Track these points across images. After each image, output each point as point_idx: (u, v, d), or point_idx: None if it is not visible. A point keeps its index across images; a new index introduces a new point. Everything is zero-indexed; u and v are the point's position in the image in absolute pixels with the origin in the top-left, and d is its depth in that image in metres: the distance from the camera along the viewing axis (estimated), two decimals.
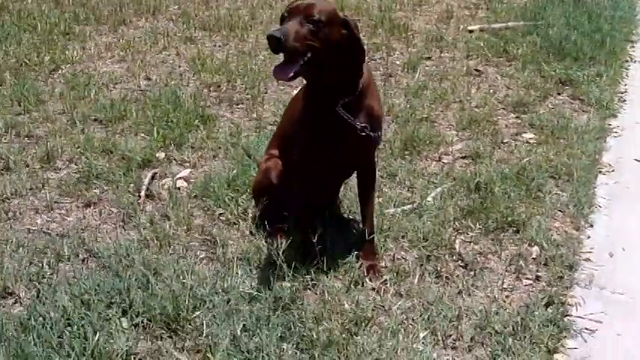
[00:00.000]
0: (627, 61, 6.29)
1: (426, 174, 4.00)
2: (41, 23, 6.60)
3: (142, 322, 2.68)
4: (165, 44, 6.19)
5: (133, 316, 2.70)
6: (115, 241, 3.24)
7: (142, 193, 3.73)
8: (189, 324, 2.67)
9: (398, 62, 5.91)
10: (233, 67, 5.61)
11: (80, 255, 3.18)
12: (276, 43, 2.62)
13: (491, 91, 5.32)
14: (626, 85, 5.67)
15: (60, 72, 5.52)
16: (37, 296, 2.83)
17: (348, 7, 7.35)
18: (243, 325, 2.65)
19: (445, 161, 4.21)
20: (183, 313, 2.69)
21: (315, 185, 3.15)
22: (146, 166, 4.05)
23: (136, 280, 2.89)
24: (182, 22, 6.77)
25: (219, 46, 6.24)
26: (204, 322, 2.66)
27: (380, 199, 3.66)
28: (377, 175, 3.34)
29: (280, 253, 2.93)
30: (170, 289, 2.82)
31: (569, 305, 2.94)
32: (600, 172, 4.19)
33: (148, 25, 6.71)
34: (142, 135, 4.43)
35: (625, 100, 5.35)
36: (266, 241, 3.21)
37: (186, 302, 2.73)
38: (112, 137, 4.37)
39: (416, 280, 3.03)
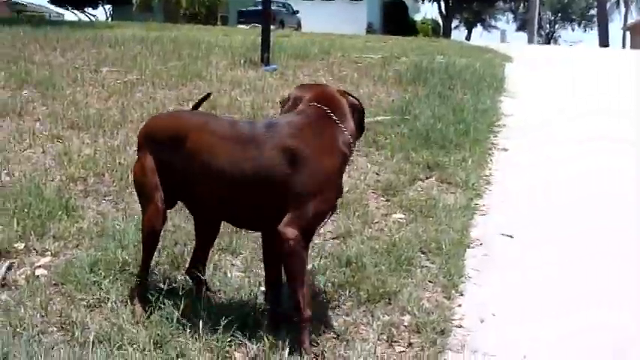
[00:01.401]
0: (491, 148, 6.57)
1: None
2: None
3: None
4: (31, 142, 6.00)
5: None
6: None
7: None
8: None
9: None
10: (101, 162, 5.47)
11: None
12: None
13: (362, 177, 5.40)
14: (490, 168, 5.92)
15: None
16: None
17: (221, 105, 7.40)
18: None
19: (316, 241, 4.18)
20: None
21: None
22: (3, 257, 3.82)
23: None
24: (49, 122, 6.60)
25: (87, 143, 6.09)
26: None
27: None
28: None
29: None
30: None
31: None
32: (469, 246, 4.27)
33: (13, 125, 6.51)
34: (0, 227, 4.20)
35: (490, 182, 5.56)
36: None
37: None
38: None
39: (286, 353, 2.93)
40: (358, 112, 3.23)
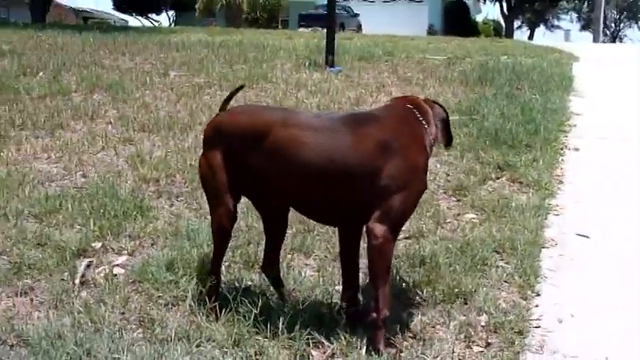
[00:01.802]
0: (562, 148, 6.47)
1: None
2: None
3: None
4: (104, 144, 6.13)
5: None
6: (46, 326, 3.06)
7: (77, 281, 3.58)
8: None
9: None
10: (172, 164, 5.56)
11: (9, 341, 3.00)
12: None
13: (432, 177, 5.35)
14: (562, 168, 5.82)
15: None
16: None
17: (288, 106, 7.43)
18: None
19: None
20: None
21: None
22: (81, 256, 3.91)
23: (67, 359, 2.72)
24: (121, 125, 6.74)
25: (158, 145, 6.19)
26: None
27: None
28: None
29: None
30: None
31: None
32: (544, 246, 4.20)
33: (85, 128, 6.66)
34: (78, 227, 4.29)
35: (563, 182, 5.47)
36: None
37: None
38: (47, 229, 4.22)
39: (363, 351, 2.93)
40: (442, 120, 3.20)
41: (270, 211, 3.32)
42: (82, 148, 6.01)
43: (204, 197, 4.71)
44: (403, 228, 4.08)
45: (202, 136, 3.35)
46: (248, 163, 3.05)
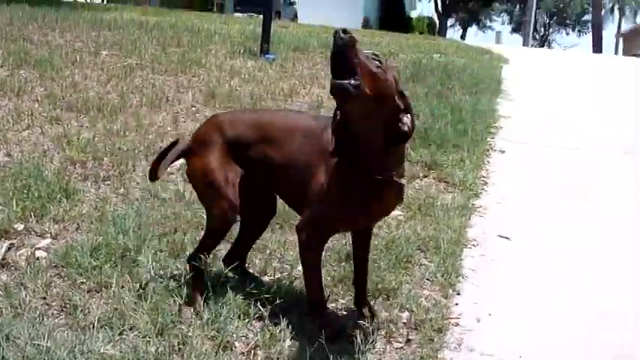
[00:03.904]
0: (488, 149, 6.62)
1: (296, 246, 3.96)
2: None
3: None
4: (29, 123, 5.98)
5: None
6: None
7: None
8: None
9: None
10: (100, 146, 5.47)
11: None
12: (341, 36, 2.52)
13: None
14: (487, 170, 5.96)
15: None
16: None
17: (220, 94, 7.40)
18: None
19: None
20: None
21: None
22: (2, 237, 3.82)
23: None
24: (48, 103, 6.58)
25: (87, 126, 6.08)
26: None
27: (252, 270, 3.63)
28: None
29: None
30: (24, 353, 2.63)
31: None
32: (466, 245, 4.30)
33: (11, 105, 6.48)
34: (0, 207, 4.20)
35: (487, 183, 5.61)
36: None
37: None
38: None
39: (286, 344, 2.96)
40: None
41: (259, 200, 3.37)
42: (7, 125, 5.86)
43: (132, 183, 4.77)
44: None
45: (194, 137, 3.35)
46: (247, 156, 3.15)
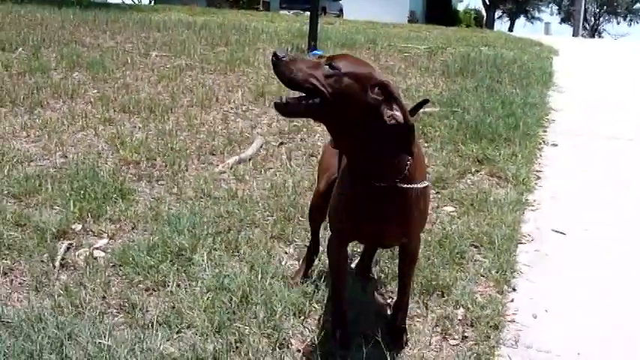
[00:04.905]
0: (540, 143, 6.54)
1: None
2: None
3: None
4: (84, 125, 6.09)
5: None
6: (26, 308, 3.07)
7: (57, 263, 3.57)
8: None
9: (319, 143, 5.96)
10: (153, 146, 5.55)
11: None
12: (274, 59, 2.38)
13: None
14: (540, 164, 5.89)
15: None
16: None
17: (269, 92, 7.44)
18: None
19: None
20: None
21: None
22: (61, 238, 3.90)
23: (48, 343, 2.73)
24: (101, 105, 6.70)
25: (139, 127, 6.18)
26: None
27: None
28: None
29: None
30: (86, 351, 2.68)
31: None
32: (520, 241, 4.26)
33: (65, 108, 6.62)
34: (58, 208, 4.28)
35: (540, 177, 5.53)
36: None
37: None
38: (26, 210, 4.21)
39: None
40: None
41: None
42: (62, 127, 5.98)
43: (185, 182, 4.82)
44: None
45: None
46: None
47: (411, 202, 2.64)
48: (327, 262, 3.13)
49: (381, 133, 2.44)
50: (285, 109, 2.46)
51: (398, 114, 2.42)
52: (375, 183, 2.54)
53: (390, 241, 2.91)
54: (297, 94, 2.44)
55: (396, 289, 3.14)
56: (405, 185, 2.57)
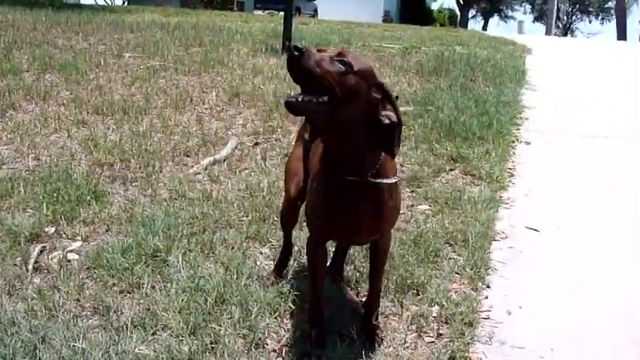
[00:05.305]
0: (514, 141, 6.59)
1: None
2: None
3: None
4: (57, 127, 6.05)
5: None
6: None
7: (30, 266, 3.55)
8: None
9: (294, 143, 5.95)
10: (127, 148, 5.52)
11: None
12: (295, 53, 2.33)
13: None
14: (513, 162, 5.93)
15: None
16: None
17: (244, 93, 7.43)
18: None
19: None
20: None
21: None
22: (34, 241, 3.87)
23: (22, 347, 2.71)
24: (74, 107, 6.64)
25: (113, 128, 6.14)
26: None
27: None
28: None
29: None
30: (60, 355, 2.67)
31: None
32: (494, 239, 4.28)
33: (38, 110, 6.57)
34: (31, 211, 4.25)
35: (513, 175, 5.57)
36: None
37: None
38: None
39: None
40: None
41: None
42: (35, 130, 5.94)
43: (160, 184, 4.80)
44: None
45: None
46: None
47: (384, 196, 2.68)
48: (305, 261, 3.12)
49: (373, 131, 2.48)
50: (297, 106, 2.40)
51: (392, 114, 2.48)
52: (347, 177, 2.57)
53: (366, 236, 2.91)
54: (298, 89, 2.42)
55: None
56: (377, 180, 2.61)
